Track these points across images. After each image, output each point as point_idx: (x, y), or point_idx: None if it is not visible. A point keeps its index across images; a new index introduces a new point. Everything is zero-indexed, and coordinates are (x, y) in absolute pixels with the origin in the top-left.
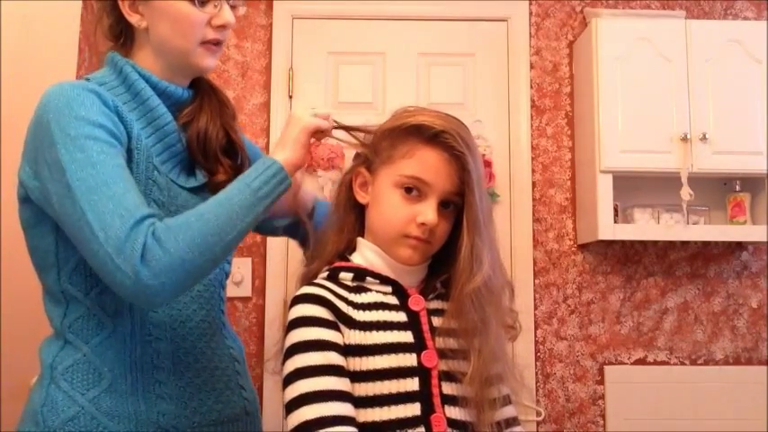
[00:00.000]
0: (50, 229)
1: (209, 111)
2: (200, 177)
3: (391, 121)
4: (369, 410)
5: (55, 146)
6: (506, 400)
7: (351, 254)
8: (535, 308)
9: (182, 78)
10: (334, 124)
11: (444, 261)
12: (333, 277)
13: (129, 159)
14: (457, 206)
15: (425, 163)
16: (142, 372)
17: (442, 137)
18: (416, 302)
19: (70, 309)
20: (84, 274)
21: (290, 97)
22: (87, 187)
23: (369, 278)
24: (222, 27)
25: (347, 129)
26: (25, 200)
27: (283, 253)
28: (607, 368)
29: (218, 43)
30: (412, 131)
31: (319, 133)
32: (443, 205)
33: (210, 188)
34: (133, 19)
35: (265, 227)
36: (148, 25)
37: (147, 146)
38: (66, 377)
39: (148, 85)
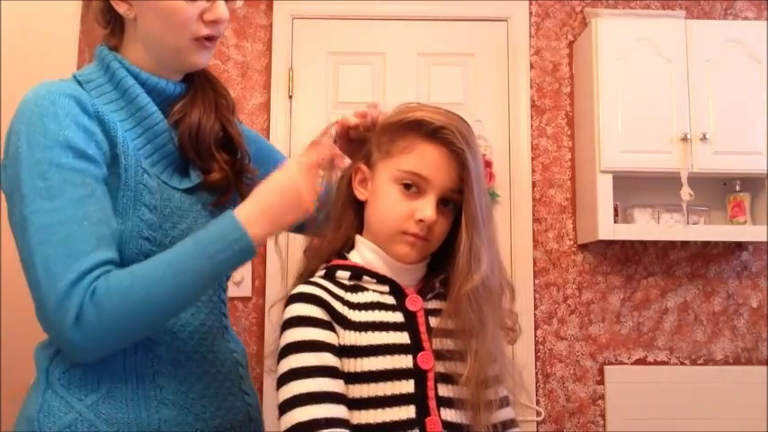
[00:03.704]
0: None
1: (203, 104)
2: (195, 177)
3: (391, 115)
4: (363, 412)
5: (19, 165)
6: (504, 402)
7: (349, 252)
8: (535, 308)
9: (173, 73)
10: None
11: (444, 260)
12: (329, 276)
13: (117, 165)
14: (456, 204)
15: (424, 158)
16: (142, 377)
17: (442, 133)
18: (414, 302)
19: None
20: None
21: (290, 97)
22: (40, 224)
23: (366, 277)
24: (215, 22)
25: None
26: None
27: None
28: (607, 368)
29: (211, 39)
30: (411, 126)
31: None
32: (443, 203)
33: (206, 188)
34: (121, 8)
35: None
36: (137, 16)
37: (136, 148)
38: (63, 382)
39: (137, 81)
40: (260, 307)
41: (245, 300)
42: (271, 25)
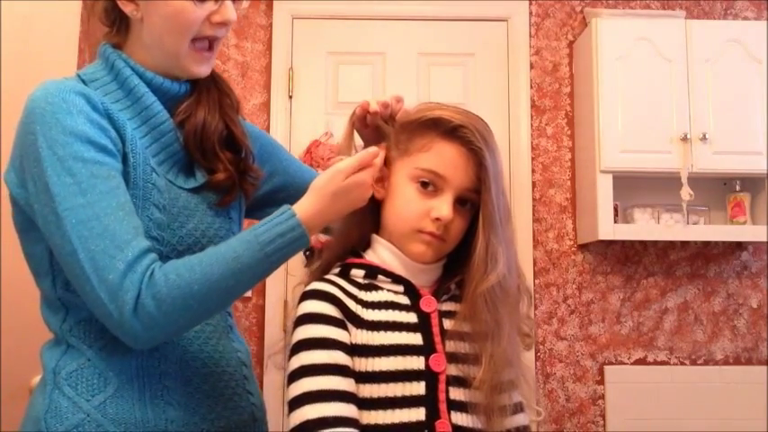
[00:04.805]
0: (42, 236)
1: (208, 103)
2: (200, 177)
3: (410, 114)
4: (372, 413)
5: (41, 164)
6: (518, 408)
7: (365, 250)
8: (535, 308)
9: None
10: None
11: (461, 263)
12: (344, 273)
13: (125, 163)
14: (474, 205)
15: (442, 157)
16: (149, 377)
17: (461, 131)
18: (428, 303)
19: (70, 314)
20: None
21: (290, 97)
22: (78, 220)
23: (381, 276)
24: (222, 24)
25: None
26: (15, 204)
27: None
28: (607, 368)
29: (210, 48)
30: (430, 125)
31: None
32: (460, 203)
33: (211, 187)
34: (127, 8)
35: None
36: (143, 17)
37: (143, 146)
38: (71, 382)
39: (142, 80)
40: (260, 307)
41: (245, 300)
42: (271, 25)
